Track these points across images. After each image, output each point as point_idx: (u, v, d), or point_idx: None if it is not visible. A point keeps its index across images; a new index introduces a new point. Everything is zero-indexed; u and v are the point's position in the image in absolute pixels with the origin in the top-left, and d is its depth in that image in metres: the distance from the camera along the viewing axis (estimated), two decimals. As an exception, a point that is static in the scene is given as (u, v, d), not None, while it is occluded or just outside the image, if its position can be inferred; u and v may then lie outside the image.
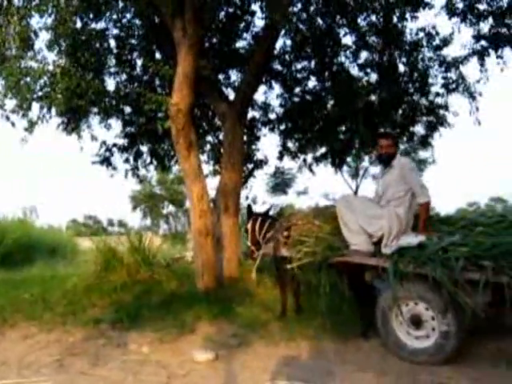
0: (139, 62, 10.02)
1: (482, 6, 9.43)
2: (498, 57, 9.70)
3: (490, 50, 9.75)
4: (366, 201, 6.18)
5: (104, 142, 10.48)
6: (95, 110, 9.65)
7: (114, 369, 5.65)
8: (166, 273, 9.22)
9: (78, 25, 8.74)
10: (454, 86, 10.43)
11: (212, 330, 6.81)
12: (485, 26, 9.61)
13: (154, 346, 6.34)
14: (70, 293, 8.70)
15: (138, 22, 9.72)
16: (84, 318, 7.56)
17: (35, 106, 8.70)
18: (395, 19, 9.86)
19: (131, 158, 10.82)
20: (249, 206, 7.95)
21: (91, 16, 8.89)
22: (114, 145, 10.59)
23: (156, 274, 9.10)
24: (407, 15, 9.78)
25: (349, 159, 12.94)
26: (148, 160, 11.09)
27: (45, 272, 11.95)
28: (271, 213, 7.95)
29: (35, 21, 8.36)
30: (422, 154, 25.98)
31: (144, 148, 10.92)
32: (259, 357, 5.78)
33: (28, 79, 8.38)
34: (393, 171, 5.89)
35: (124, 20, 9.67)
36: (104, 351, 6.29)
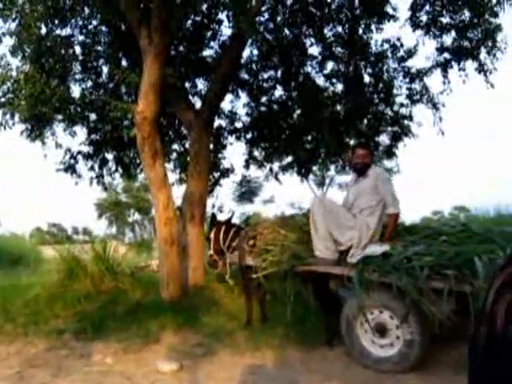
0: (105, 69, 9.93)
1: (445, 20, 9.65)
2: (460, 69, 9.93)
3: (453, 62, 9.97)
4: (340, 208, 6.16)
5: (69, 150, 10.32)
6: (60, 117, 9.53)
7: (77, 380, 5.57)
8: (130, 282, 9.11)
9: (43, 31, 8.62)
10: (418, 96, 10.61)
11: (177, 339, 6.77)
12: (448, 39, 9.85)
13: (118, 357, 6.27)
14: (33, 303, 8.54)
15: (104, 28, 9.64)
16: (46, 329, 7.45)
17: (-2, 111, 8.59)
18: (361, 30, 10.02)
19: (96, 166, 10.68)
20: (213, 215, 7.95)
21: (56, 22, 8.77)
22: (79, 152, 10.44)
23: (121, 283, 8.98)
24: (372, 27, 9.96)
25: (315, 168, 12.96)
26: (113, 168, 10.96)
27: (6, 281, 11.72)
28: (234, 221, 7.95)
29: (-2, 26, 8.25)
30: (388, 163, 26.26)
31: (109, 156, 10.79)
32: (224, 366, 5.77)
33: (-9, 85, 8.27)
34: (367, 180, 6.00)
35: (90, 26, 9.56)
36: (66, 362, 6.20)
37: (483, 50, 9.68)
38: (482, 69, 9.68)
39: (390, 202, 5.89)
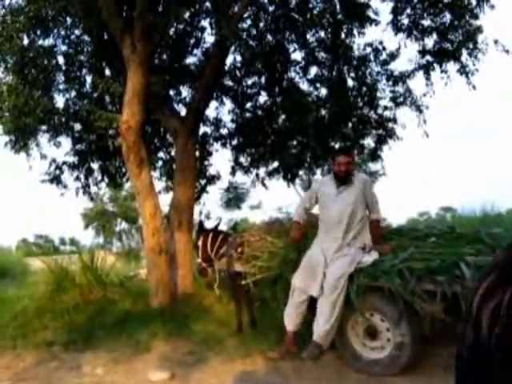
0: (89, 79, 9.89)
1: (426, 22, 9.74)
2: (442, 71, 10.02)
3: (435, 65, 10.06)
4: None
5: (54, 160, 10.25)
6: (44, 127, 9.48)
7: (68, 392, 5.54)
8: (119, 292, 9.08)
9: (25, 41, 8.61)
10: (401, 99, 10.69)
11: (167, 348, 6.74)
12: (429, 42, 9.94)
13: (109, 367, 6.23)
14: (21, 315, 8.46)
15: (86, 38, 9.61)
16: (35, 341, 7.38)
17: (-18, 124, 8.54)
18: (343, 35, 10.06)
19: (82, 176, 10.61)
20: (200, 222, 7.96)
21: (39, 33, 8.75)
22: (64, 163, 10.38)
23: (109, 293, 8.95)
24: (355, 31, 10.02)
25: (301, 173, 12.97)
26: (99, 177, 10.91)
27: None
28: (221, 227, 7.96)
29: (-20, 37, 8.21)
30: (373, 166, 26.43)
31: (95, 165, 10.73)
32: (216, 374, 5.76)
33: (-27, 97, 8.22)
34: (353, 190, 5.71)
35: (72, 36, 9.55)
36: (56, 375, 6.15)
37: (464, 52, 9.78)
38: (463, 70, 9.77)
39: (375, 208, 5.85)
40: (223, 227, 9.00)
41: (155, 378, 5.66)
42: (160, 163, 11.27)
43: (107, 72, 9.84)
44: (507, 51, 9.37)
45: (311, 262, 5.68)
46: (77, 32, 9.54)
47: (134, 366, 6.26)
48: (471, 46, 9.69)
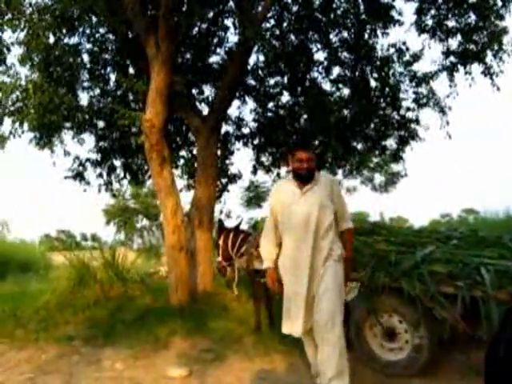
0: (113, 77, 10.01)
1: (450, 23, 9.68)
2: (466, 73, 9.96)
3: (459, 66, 10.00)
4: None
5: (77, 157, 10.39)
6: (68, 124, 9.61)
7: (88, 386, 5.62)
8: (139, 288, 9.18)
9: (51, 40, 8.70)
10: (424, 100, 10.65)
11: (186, 345, 6.79)
12: (453, 43, 9.89)
13: (128, 363, 6.30)
14: (43, 309, 8.62)
15: (111, 36, 9.73)
16: (57, 335, 7.50)
17: (7, 120, 8.68)
18: (366, 35, 10.05)
19: (104, 173, 10.74)
20: (220, 221, 7.99)
21: (64, 31, 8.85)
22: (87, 159, 10.52)
23: (130, 289, 9.06)
24: (378, 32, 9.99)
25: (323, 173, 12.96)
26: (121, 174, 11.02)
27: (17, 288, 11.80)
28: (242, 226, 7.98)
29: (7, 35, 8.38)
30: (395, 167, 26.33)
31: (117, 162, 10.85)
32: (233, 372, 5.79)
33: (0, 94, 8.35)
34: (318, 190, 4.76)
35: (97, 35, 9.67)
36: (77, 368, 6.23)
37: (489, 53, 9.71)
38: (488, 72, 9.71)
39: (347, 215, 4.94)
40: (244, 226, 9.02)
41: (173, 374, 5.71)
42: (182, 161, 11.35)
43: (131, 70, 9.93)
44: (532, 53, 9.32)
45: (289, 297, 4.79)
46: (102, 30, 9.65)
47: (153, 361, 6.32)
48: (496, 47, 9.62)
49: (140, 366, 6.17)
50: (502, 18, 9.38)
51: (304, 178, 4.74)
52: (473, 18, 9.49)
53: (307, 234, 4.68)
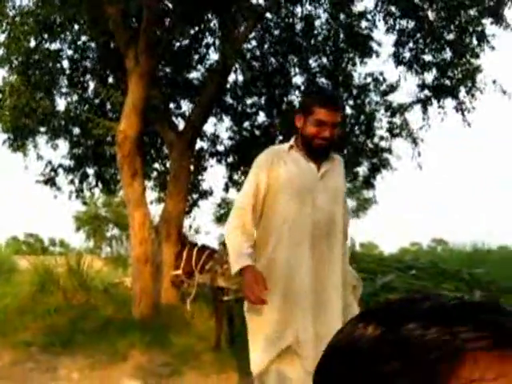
0: (91, 85, 10.04)
1: (427, 57, 9.92)
2: (439, 106, 10.19)
3: (433, 100, 10.23)
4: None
5: (50, 162, 10.37)
6: (43, 129, 9.61)
7: (41, 394, 5.58)
8: (103, 298, 9.13)
9: (32, 44, 8.73)
10: (398, 130, 10.84)
11: (144, 358, 6.78)
12: (429, 77, 10.12)
13: (85, 373, 6.26)
14: (2, 313, 8.50)
15: (93, 45, 9.77)
16: (14, 340, 7.39)
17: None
18: (344, 63, 10.24)
19: (76, 180, 10.71)
20: (183, 235, 8.03)
21: (46, 36, 8.89)
22: (60, 165, 10.49)
23: (93, 298, 9.00)
24: (356, 60, 10.19)
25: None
26: (93, 183, 11.01)
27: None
28: (209, 243, 8.04)
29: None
30: (366, 193, 26.74)
31: (90, 170, 10.85)
32: (189, 387, 5.81)
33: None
34: (336, 176, 3.25)
35: (79, 42, 9.70)
36: (32, 376, 6.17)
37: (462, 89, 9.96)
38: (460, 107, 9.94)
39: (348, 217, 3.46)
40: (214, 242, 9.06)
41: (129, 386, 5.72)
42: (155, 174, 11.39)
43: (110, 79, 9.97)
44: (504, 92, 9.57)
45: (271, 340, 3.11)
46: (84, 38, 9.69)
47: (110, 373, 6.29)
48: (469, 84, 9.86)
49: (96, 377, 6.15)
50: (477, 56, 9.64)
51: (321, 154, 3.15)
52: (449, 54, 9.74)
53: (328, 245, 3.06)
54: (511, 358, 0.48)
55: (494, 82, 9.59)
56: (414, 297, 0.58)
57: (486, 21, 9.28)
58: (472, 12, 9.34)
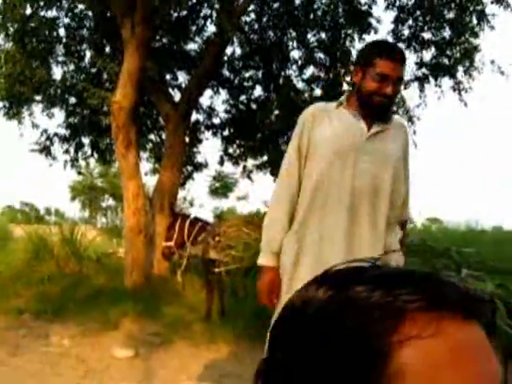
0: (88, 54, 9.99)
1: (426, 35, 9.88)
2: (436, 85, 10.18)
3: (431, 78, 10.21)
4: None
5: (45, 131, 10.36)
6: (39, 97, 9.58)
7: (33, 360, 5.63)
8: (95, 267, 9.20)
9: (28, 11, 8.65)
10: (394, 108, 10.82)
11: (135, 327, 6.85)
12: (427, 55, 10.08)
13: (76, 340, 6.34)
14: (-5, 280, 8.59)
15: (90, 13, 9.67)
16: (7, 307, 7.47)
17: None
18: (343, 39, 10.18)
19: (72, 149, 10.72)
20: (171, 205, 8.06)
21: (42, 3, 8.81)
22: (55, 134, 10.47)
23: (85, 267, 9.07)
24: (355, 36, 10.14)
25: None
26: (89, 152, 11.00)
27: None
28: (207, 214, 8.07)
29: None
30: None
31: (86, 140, 10.84)
32: (179, 356, 5.88)
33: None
34: (392, 139, 2.72)
35: (76, 10, 9.61)
36: (24, 342, 6.25)
37: (460, 69, 9.94)
38: (457, 87, 9.93)
39: (408, 196, 2.89)
40: (210, 214, 9.10)
41: (119, 354, 5.78)
42: (150, 145, 11.38)
43: (107, 49, 9.91)
44: (502, 73, 9.56)
45: None
46: (80, 6, 9.59)
47: (101, 341, 6.37)
48: (467, 63, 9.84)
49: (87, 344, 6.23)
50: (476, 35, 9.60)
51: (379, 112, 2.64)
52: (448, 32, 9.70)
53: (371, 220, 2.61)
54: (445, 319, 0.54)
55: (493, 62, 9.60)
56: (361, 265, 0.65)
57: (487, 0, 9.23)
58: (473, -10, 9.29)
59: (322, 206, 2.61)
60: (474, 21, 9.45)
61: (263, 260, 2.70)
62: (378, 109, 2.60)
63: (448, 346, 0.53)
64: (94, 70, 9.96)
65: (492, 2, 9.15)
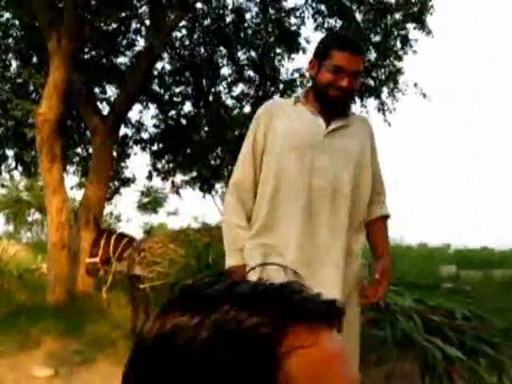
0: (14, 64, 9.74)
1: (354, 58, 10.16)
2: (362, 105, 10.51)
3: (357, 99, 10.51)
4: None
5: (-33, 142, 10.01)
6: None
7: None
8: (17, 283, 8.93)
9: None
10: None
11: (57, 345, 6.67)
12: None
13: (-7, 359, 6.13)
14: None
15: (16, 22, 9.47)
16: None
17: None
18: (272, 57, 10.35)
19: (-5, 162, 10.39)
20: (95, 220, 7.94)
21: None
22: (-22, 146, 10.14)
23: (6, 283, 8.79)
24: (284, 55, 10.35)
25: (218, 186, 13.12)
26: (13, 165, 10.70)
27: None
28: (135, 230, 7.99)
29: None
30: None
31: (10, 152, 10.53)
32: (102, 375, 5.75)
33: None
34: (353, 135, 2.59)
35: (2, 19, 9.39)
36: None
37: (385, 90, 10.31)
38: (382, 108, 10.29)
39: (384, 190, 2.79)
40: (139, 230, 9.00)
41: (38, 373, 5.62)
42: (77, 159, 11.17)
43: (34, 60, 9.70)
44: (424, 95, 10.00)
45: None
46: (7, 15, 9.38)
47: (20, 360, 6.17)
48: (392, 85, 10.23)
49: (5, 364, 6.01)
50: (399, 58, 10.03)
51: (336, 106, 2.53)
52: (373, 55, 10.07)
53: (331, 221, 2.50)
54: (318, 329, 0.58)
55: (416, 84, 10.03)
56: (224, 281, 0.62)
57: (410, 26, 9.65)
58: (397, 16, 9.69)
59: (278, 205, 2.52)
60: (398, 45, 9.87)
61: (231, 260, 2.59)
62: (334, 102, 2.48)
63: (325, 355, 0.57)
64: (19, 81, 9.71)
65: (415, 28, 9.58)
